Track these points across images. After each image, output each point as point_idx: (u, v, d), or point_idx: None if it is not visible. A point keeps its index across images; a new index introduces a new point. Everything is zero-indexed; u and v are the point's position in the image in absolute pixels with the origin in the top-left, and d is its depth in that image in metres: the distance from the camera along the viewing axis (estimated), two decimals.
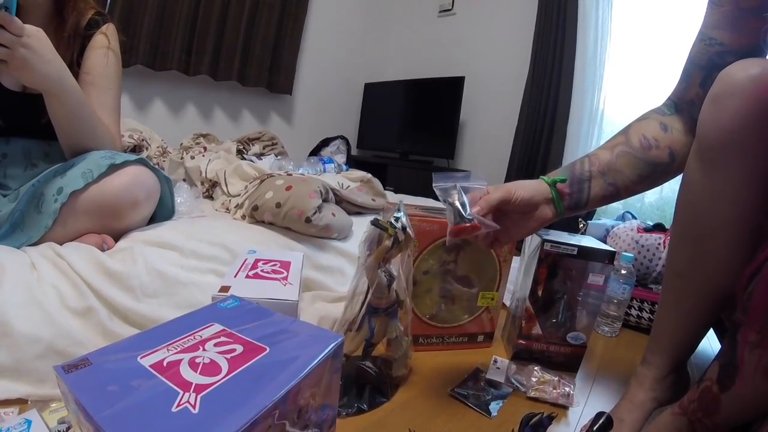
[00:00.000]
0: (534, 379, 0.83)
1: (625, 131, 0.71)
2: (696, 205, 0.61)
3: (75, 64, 0.92)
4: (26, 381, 0.65)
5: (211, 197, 1.44)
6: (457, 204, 0.62)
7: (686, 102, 0.69)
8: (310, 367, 0.36)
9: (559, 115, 2.32)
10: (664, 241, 1.22)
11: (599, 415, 0.66)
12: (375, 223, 0.66)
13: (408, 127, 2.98)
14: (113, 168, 0.83)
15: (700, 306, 0.65)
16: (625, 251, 1.19)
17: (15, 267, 0.71)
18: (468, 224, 0.60)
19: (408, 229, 0.67)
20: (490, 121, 2.76)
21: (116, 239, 0.88)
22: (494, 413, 0.77)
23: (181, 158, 1.63)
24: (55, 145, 0.92)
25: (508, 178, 2.52)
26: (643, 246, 1.24)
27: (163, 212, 1.00)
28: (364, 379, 0.78)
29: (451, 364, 0.87)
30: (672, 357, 0.69)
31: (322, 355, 0.38)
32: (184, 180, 1.56)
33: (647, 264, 1.23)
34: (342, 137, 2.93)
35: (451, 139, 2.66)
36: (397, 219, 0.65)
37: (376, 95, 3.21)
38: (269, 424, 0.32)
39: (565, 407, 0.79)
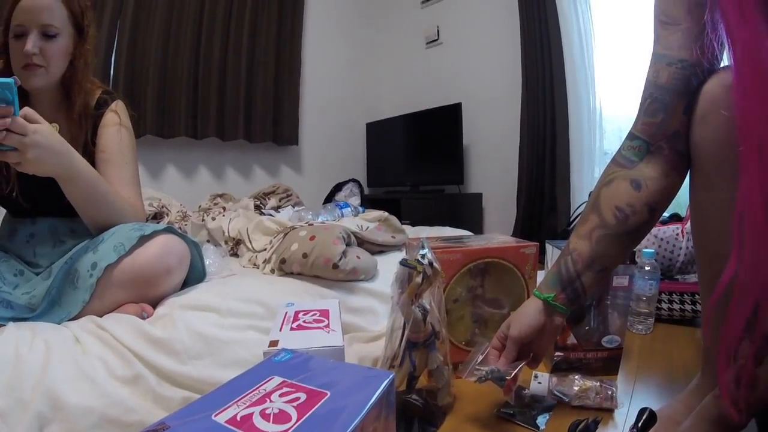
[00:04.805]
0: (576, 388, 0.84)
1: (596, 206, 0.67)
2: (708, 225, 0.61)
3: (90, 144, 0.96)
4: None
5: (236, 255, 1.48)
6: (492, 376, 0.75)
7: (666, 137, 0.62)
8: (370, 404, 0.40)
9: (558, 123, 2.35)
10: (682, 230, 1.23)
11: (642, 411, 0.67)
12: (404, 263, 0.70)
13: (414, 160, 3.04)
14: (143, 239, 0.87)
15: None
16: (646, 248, 1.20)
17: (59, 342, 0.73)
18: (507, 382, 0.73)
19: (434, 264, 0.70)
20: (492, 141, 2.81)
21: (153, 306, 0.91)
22: (542, 426, 0.77)
23: (203, 220, 1.68)
24: (79, 221, 0.94)
25: (519, 193, 2.54)
26: (662, 239, 1.25)
27: (194, 275, 1.03)
28: (411, 412, 0.80)
29: (493, 386, 0.88)
30: None
31: (378, 392, 0.42)
32: (208, 241, 1.61)
33: (669, 256, 1.24)
34: (354, 180, 3.00)
35: (458, 165, 2.71)
36: (423, 256, 0.69)
37: (378, 133, 3.29)
38: None
39: (610, 410, 0.80)
